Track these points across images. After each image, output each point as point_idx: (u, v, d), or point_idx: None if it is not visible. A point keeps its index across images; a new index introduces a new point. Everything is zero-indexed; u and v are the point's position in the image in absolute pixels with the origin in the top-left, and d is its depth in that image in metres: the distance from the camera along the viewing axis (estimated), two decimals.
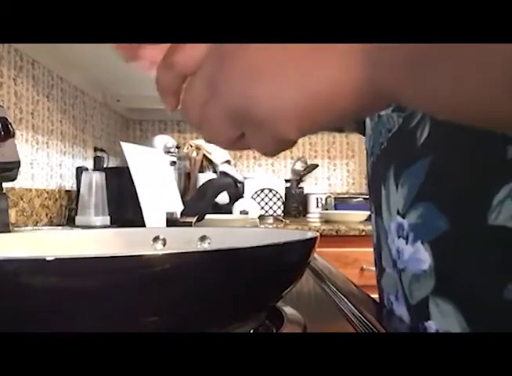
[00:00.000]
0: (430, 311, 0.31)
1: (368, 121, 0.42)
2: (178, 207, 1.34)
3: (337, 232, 1.47)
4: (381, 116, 0.38)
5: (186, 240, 0.43)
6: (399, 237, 0.34)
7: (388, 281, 0.38)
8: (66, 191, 1.49)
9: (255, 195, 1.90)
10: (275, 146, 0.23)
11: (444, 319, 0.30)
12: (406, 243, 0.33)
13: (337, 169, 2.28)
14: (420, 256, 0.32)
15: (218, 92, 0.23)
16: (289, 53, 0.21)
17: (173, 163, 1.72)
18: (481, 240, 0.28)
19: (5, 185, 0.96)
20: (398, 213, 0.34)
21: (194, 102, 0.25)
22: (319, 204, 2.03)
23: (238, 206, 1.74)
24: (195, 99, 0.25)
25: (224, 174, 1.90)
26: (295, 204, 2.03)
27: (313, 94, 0.20)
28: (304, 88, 0.20)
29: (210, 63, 0.23)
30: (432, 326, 0.31)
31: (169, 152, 1.81)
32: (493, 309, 0.27)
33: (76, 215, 1.33)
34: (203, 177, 1.84)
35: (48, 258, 0.19)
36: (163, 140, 1.86)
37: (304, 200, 2.08)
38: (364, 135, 0.59)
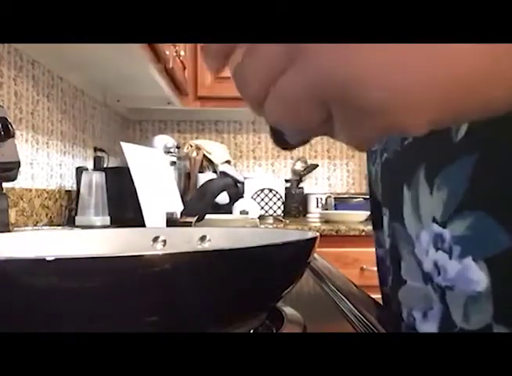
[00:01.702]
0: None
1: None
2: (178, 207, 1.34)
3: (337, 232, 1.47)
4: None
5: (186, 240, 0.43)
6: (438, 250, 0.30)
7: (411, 295, 0.34)
8: (66, 191, 1.49)
9: (255, 195, 1.90)
10: (378, 138, 0.17)
11: None
12: (450, 257, 0.29)
13: (337, 169, 2.28)
14: (471, 275, 0.27)
15: (304, 57, 0.16)
16: None
17: (173, 163, 1.72)
18: None
19: (5, 185, 0.96)
20: (435, 221, 0.29)
21: (260, 70, 0.17)
22: (319, 204, 2.03)
23: (238, 206, 1.74)
24: (262, 65, 0.17)
25: (224, 174, 1.90)
26: (295, 204, 2.03)
27: (459, 71, 0.14)
28: (453, 58, 0.14)
29: None
30: None
31: (169, 152, 1.81)
32: None
33: (76, 215, 1.33)
34: (203, 177, 1.84)
35: (48, 258, 0.19)
36: (163, 140, 1.86)
37: (304, 200, 2.08)
38: None
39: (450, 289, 0.29)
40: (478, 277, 0.27)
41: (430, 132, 0.16)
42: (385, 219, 0.37)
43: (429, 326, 0.32)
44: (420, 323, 0.33)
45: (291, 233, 0.40)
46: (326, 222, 1.71)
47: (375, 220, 0.44)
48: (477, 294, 0.27)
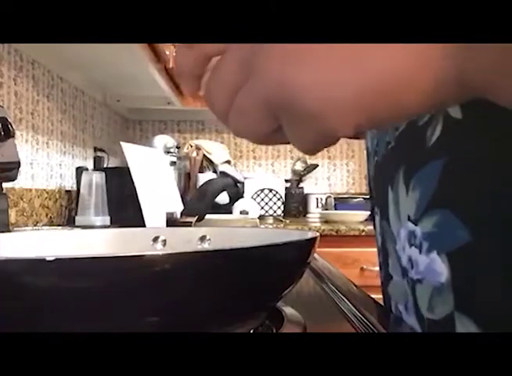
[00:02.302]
0: (456, 328, 0.29)
1: None
2: (178, 207, 1.34)
3: (337, 232, 1.47)
4: None
5: (186, 240, 0.43)
6: (411, 246, 0.32)
7: (396, 289, 0.36)
8: (66, 191, 1.49)
9: (255, 195, 1.90)
10: (319, 143, 0.20)
11: None
12: (420, 252, 0.31)
13: (337, 169, 2.28)
14: (436, 268, 0.29)
15: (255, 76, 0.19)
16: None
17: (173, 163, 1.72)
18: (505, 251, 0.25)
19: (5, 185, 0.96)
20: (409, 219, 0.32)
21: (223, 87, 0.21)
22: (319, 204, 2.03)
23: (238, 206, 1.74)
24: (224, 84, 0.21)
25: (224, 174, 1.90)
26: (295, 204, 2.03)
27: (374, 83, 0.17)
28: (364, 76, 0.17)
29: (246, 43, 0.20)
30: None
31: (169, 152, 1.81)
32: None
33: (76, 215, 1.33)
34: (203, 177, 1.84)
35: (48, 258, 0.19)
36: (163, 140, 1.86)
37: (304, 200, 2.08)
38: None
39: (420, 282, 0.31)
40: (441, 269, 0.29)
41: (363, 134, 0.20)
42: (377, 218, 0.39)
43: (410, 318, 0.33)
44: (405, 315, 0.35)
45: (291, 233, 0.40)
46: (326, 222, 1.71)
47: (373, 219, 0.44)
48: (440, 286, 0.29)
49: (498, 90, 0.17)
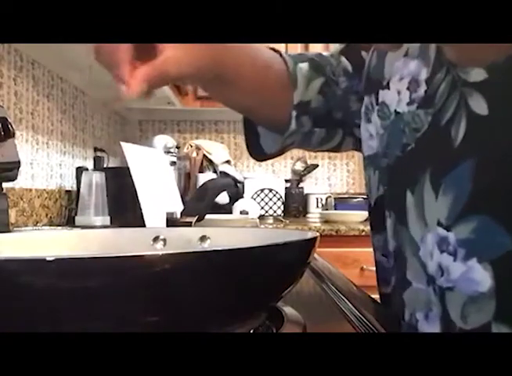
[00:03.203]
0: None
1: (377, 119, 0.38)
2: (178, 207, 1.34)
3: (337, 232, 1.47)
4: (400, 114, 0.34)
5: (186, 240, 0.43)
6: (442, 252, 0.30)
7: (415, 297, 0.34)
8: (66, 191, 1.49)
9: (255, 195, 1.90)
10: None
11: None
12: (455, 260, 0.29)
13: (337, 169, 2.28)
14: (475, 276, 0.28)
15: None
16: None
17: (173, 163, 1.72)
18: None
19: (5, 185, 0.95)
20: (440, 224, 0.31)
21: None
22: (319, 204, 2.03)
23: (238, 206, 1.74)
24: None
25: (224, 174, 1.90)
26: (295, 204, 2.03)
27: None
28: None
29: None
30: None
31: (169, 152, 1.81)
32: None
33: (76, 215, 1.33)
34: (203, 177, 1.84)
35: (48, 258, 0.19)
36: (163, 140, 1.86)
37: (304, 200, 2.08)
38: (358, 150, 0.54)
39: (450, 290, 0.30)
40: (482, 278, 0.28)
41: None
42: (389, 221, 0.37)
43: (430, 327, 0.33)
44: (422, 324, 0.33)
45: (291, 233, 0.40)
46: (326, 222, 1.71)
47: (374, 223, 0.44)
48: (478, 295, 0.28)
49: None
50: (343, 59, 0.51)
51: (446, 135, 0.30)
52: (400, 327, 0.36)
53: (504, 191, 0.27)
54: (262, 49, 0.45)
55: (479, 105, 0.28)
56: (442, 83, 0.31)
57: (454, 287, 0.30)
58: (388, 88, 0.36)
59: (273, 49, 0.48)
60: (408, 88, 0.34)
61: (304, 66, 0.48)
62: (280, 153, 0.53)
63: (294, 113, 0.47)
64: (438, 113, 0.31)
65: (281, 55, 0.48)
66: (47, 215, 1.35)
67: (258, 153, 0.54)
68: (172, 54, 0.33)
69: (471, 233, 0.28)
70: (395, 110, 0.35)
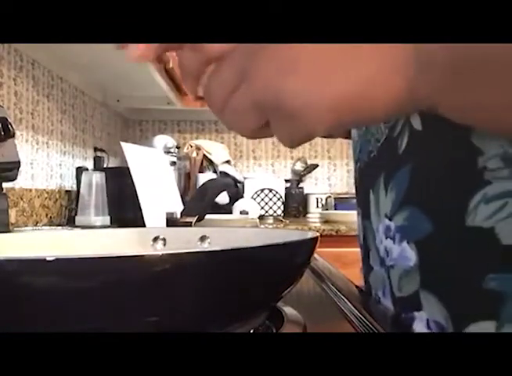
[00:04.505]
0: (421, 303, 0.34)
1: (354, 129, 0.45)
2: (178, 207, 1.34)
3: (337, 232, 1.47)
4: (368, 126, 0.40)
5: (186, 240, 0.43)
6: (387, 238, 0.37)
7: (376, 278, 0.41)
8: (66, 191, 1.49)
9: (255, 195, 1.90)
10: (300, 138, 0.24)
11: (431, 310, 0.33)
12: (394, 242, 0.36)
13: (337, 169, 2.28)
14: (406, 254, 0.35)
15: (250, 80, 0.23)
16: (327, 49, 0.22)
17: (173, 163, 1.72)
18: (460, 239, 0.31)
19: (5, 185, 0.96)
20: (386, 216, 0.37)
21: (221, 87, 0.25)
22: (319, 204, 2.03)
23: (238, 206, 1.74)
24: (222, 84, 0.25)
25: (224, 174, 1.90)
26: (295, 204, 2.03)
27: (342, 92, 0.21)
28: (337, 86, 0.21)
29: (242, 51, 0.23)
30: (423, 315, 0.34)
31: (169, 152, 1.81)
32: (472, 298, 0.30)
33: (76, 215, 1.33)
34: (203, 177, 1.84)
35: (48, 258, 0.19)
36: (163, 140, 1.86)
37: (304, 200, 2.08)
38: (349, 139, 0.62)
39: (392, 267, 0.37)
40: (411, 255, 0.34)
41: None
42: (359, 218, 0.45)
43: (387, 301, 0.39)
44: (383, 300, 0.40)
45: (291, 233, 0.40)
46: (326, 222, 1.71)
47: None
48: (409, 269, 0.35)
49: (443, 106, 0.22)
50: None
51: (395, 145, 0.36)
52: (378, 307, 0.40)
53: (430, 188, 0.33)
54: None
55: (417, 123, 0.34)
56: None
57: (394, 265, 0.37)
58: None
59: None
60: None
61: None
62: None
63: None
64: (392, 128, 0.37)
65: None
66: (47, 215, 1.35)
67: None
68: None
69: (404, 220, 0.35)
70: None
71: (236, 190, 1.86)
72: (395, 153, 0.36)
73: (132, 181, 1.10)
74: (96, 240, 0.42)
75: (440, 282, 0.33)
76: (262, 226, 1.53)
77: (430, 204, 0.33)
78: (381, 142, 0.38)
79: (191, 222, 1.15)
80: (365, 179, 0.42)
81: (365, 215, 0.43)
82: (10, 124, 0.88)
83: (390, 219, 0.37)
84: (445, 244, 0.32)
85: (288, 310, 0.33)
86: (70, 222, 1.39)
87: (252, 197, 1.89)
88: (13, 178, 0.94)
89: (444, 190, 0.32)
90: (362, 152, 0.43)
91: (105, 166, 1.64)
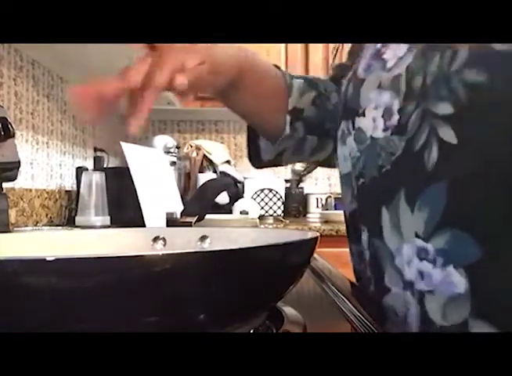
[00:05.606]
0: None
1: (353, 143, 0.42)
2: (178, 207, 1.34)
3: (337, 232, 1.47)
4: (376, 139, 0.38)
5: (186, 240, 0.43)
6: (422, 260, 0.34)
7: (396, 301, 0.38)
8: (66, 191, 1.49)
9: (255, 195, 1.90)
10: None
11: None
12: (434, 266, 0.33)
13: (337, 169, 2.28)
14: (453, 280, 0.32)
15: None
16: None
17: (173, 163, 1.72)
18: None
19: (5, 185, 0.95)
20: (418, 236, 0.34)
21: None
22: (319, 204, 2.03)
23: (238, 206, 1.74)
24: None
25: (224, 174, 1.90)
26: (295, 204, 2.03)
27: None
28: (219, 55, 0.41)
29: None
30: None
31: (169, 152, 1.81)
32: None
33: (76, 215, 1.33)
34: (203, 177, 1.84)
35: (48, 258, 0.19)
36: (163, 140, 1.86)
37: (304, 200, 2.08)
38: (330, 167, 0.63)
39: (430, 293, 0.34)
40: (459, 281, 0.32)
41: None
42: (364, 235, 0.41)
43: (408, 325, 0.37)
44: (402, 323, 0.38)
45: (291, 233, 0.40)
46: (326, 222, 1.71)
47: (350, 234, 0.47)
48: (456, 296, 0.32)
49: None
50: (332, 83, 0.59)
51: (419, 159, 0.34)
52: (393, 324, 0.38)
53: (473, 208, 0.31)
54: (263, 58, 0.54)
55: (449, 135, 0.32)
56: (413, 114, 0.34)
57: (434, 290, 0.33)
58: (364, 116, 0.40)
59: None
60: (382, 116, 0.38)
61: (299, 80, 0.56)
62: (275, 161, 0.60)
63: (288, 118, 0.55)
64: (411, 140, 0.34)
65: (278, 68, 0.56)
66: (47, 215, 1.35)
67: (256, 159, 0.62)
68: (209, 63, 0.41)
69: (446, 244, 0.32)
70: (371, 136, 0.39)
71: (236, 190, 1.86)
72: (421, 167, 0.33)
73: (132, 181, 1.10)
74: (96, 240, 0.42)
75: (495, 310, 0.31)
76: (262, 226, 1.53)
77: (476, 225, 0.31)
78: (397, 155, 0.36)
79: (191, 222, 1.15)
80: (373, 196, 0.39)
81: (373, 233, 0.39)
82: (10, 124, 0.88)
83: (425, 241, 0.34)
84: (499, 270, 0.30)
85: (288, 310, 0.33)
86: (70, 222, 1.39)
87: (252, 197, 1.89)
88: (13, 179, 0.94)
89: (490, 210, 0.30)
90: (367, 167, 0.40)
91: (105, 166, 1.64)
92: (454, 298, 0.32)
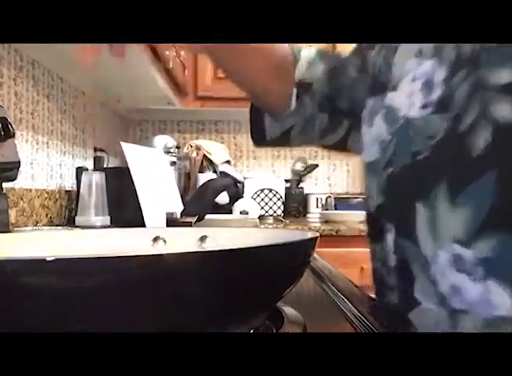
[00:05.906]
0: None
1: (382, 124, 0.35)
2: (178, 207, 1.34)
3: (337, 232, 1.47)
4: (411, 119, 0.32)
5: (186, 240, 0.43)
6: (458, 271, 0.28)
7: (425, 318, 0.32)
8: (66, 191, 1.49)
9: (255, 195, 1.90)
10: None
11: None
12: (471, 280, 0.27)
13: (336, 169, 2.28)
14: (493, 298, 0.26)
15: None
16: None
17: (173, 163, 1.72)
18: None
19: (5, 185, 0.95)
20: (456, 241, 0.28)
21: None
22: (319, 204, 2.03)
23: (238, 206, 1.74)
24: None
25: (224, 174, 1.90)
26: (295, 204, 2.03)
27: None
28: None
29: None
30: None
31: (169, 152, 1.81)
32: None
33: (76, 215, 1.33)
34: (203, 177, 1.84)
35: (48, 258, 0.19)
36: (163, 140, 1.86)
37: (304, 200, 2.08)
38: (341, 151, 0.54)
39: (464, 312, 0.28)
40: (500, 301, 0.26)
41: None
42: (390, 236, 0.35)
43: None
44: None
45: (291, 233, 0.40)
46: (326, 222, 1.71)
47: (371, 231, 0.40)
48: (495, 318, 0.26)
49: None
50: (353, 57, 0.49)
51: (466, 143, 0.27)
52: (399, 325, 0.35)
53: None
54: None
55: (504, 111, 0.26)
56: (461, 85, 0.28)
57: (468, 310, 0.28)
58: (397, 91, 0.33)
59: None
60: (421, 91, 0.31)
61: (310, 50, 0.49)
62: (281, 141, 0.53)
63: (295, 91, 0.48)
64: (456, 120, 0.28)
65: None
66: (47, 215, 1.35)
67: (260, 138, 0.54)
68: None
69: (491, 251, 0.26)
70: (405, 115, 0.32)
71: (236, 190, 1.86)
72: (467, 154, 0.27)
73: (132, 181, 1.10)
74: (96, 240, 0.42)
75: None
76: (262, 226, 1.53)
77: None
78: (437, 139, 0.29)
79: (191, 222, 1.15)
80: (405, 188, 0.33)
81: (402, 233, 0.33)
82: (10, 124, 0.88)
83: (464, 246, 0.27)
84: None
85: (288, 310, 0.33)
86: (70, 222, 1.39)
87: (252, 197, 1.89)
88: (13, 179, 0.94)
89: None
90: (398, 154, 0.33)
91: (105, 166, 1.64)
92: (492, 322, 0.26)
